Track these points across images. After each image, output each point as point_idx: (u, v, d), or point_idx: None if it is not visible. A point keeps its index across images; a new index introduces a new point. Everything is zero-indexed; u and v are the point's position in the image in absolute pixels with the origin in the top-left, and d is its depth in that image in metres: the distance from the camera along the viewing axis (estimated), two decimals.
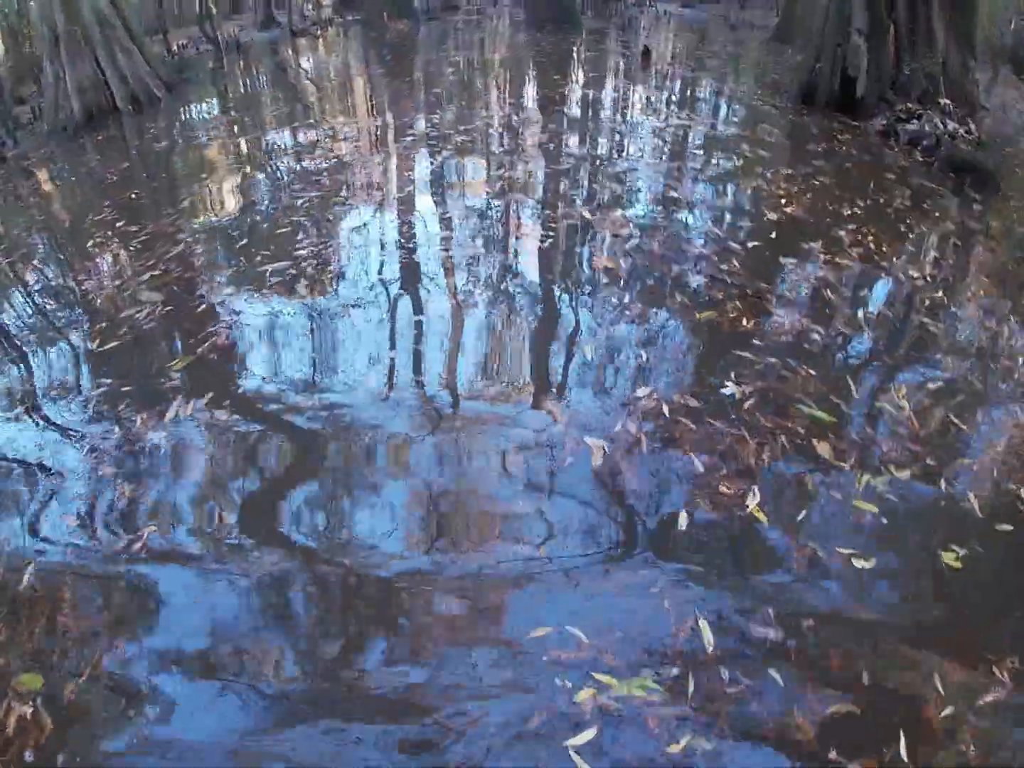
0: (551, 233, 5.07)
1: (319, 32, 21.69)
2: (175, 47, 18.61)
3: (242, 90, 13.71)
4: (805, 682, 2.01)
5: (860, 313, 4.07)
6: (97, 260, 5.42)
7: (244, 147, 8.71)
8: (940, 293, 4.39)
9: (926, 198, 6.15)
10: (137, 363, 3.83)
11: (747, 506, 2.61)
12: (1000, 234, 5.79)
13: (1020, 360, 3.73)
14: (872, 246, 4.91)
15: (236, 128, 9.91)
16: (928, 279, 4.57)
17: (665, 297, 4.10)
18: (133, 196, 6.91)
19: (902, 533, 2.60)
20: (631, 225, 5.13)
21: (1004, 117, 9.21)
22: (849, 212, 5.46)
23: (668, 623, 2.19)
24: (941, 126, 7.28)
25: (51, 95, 12.05)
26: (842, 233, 5.06)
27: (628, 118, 8.91)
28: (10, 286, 5.40)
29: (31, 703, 2.06)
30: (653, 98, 9.99)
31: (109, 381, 3.63)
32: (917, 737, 1.87)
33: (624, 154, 7.09)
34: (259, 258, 4.89)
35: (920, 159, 7.14)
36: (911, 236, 5.26)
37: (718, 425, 3.03)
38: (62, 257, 5.95)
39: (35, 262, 5.83)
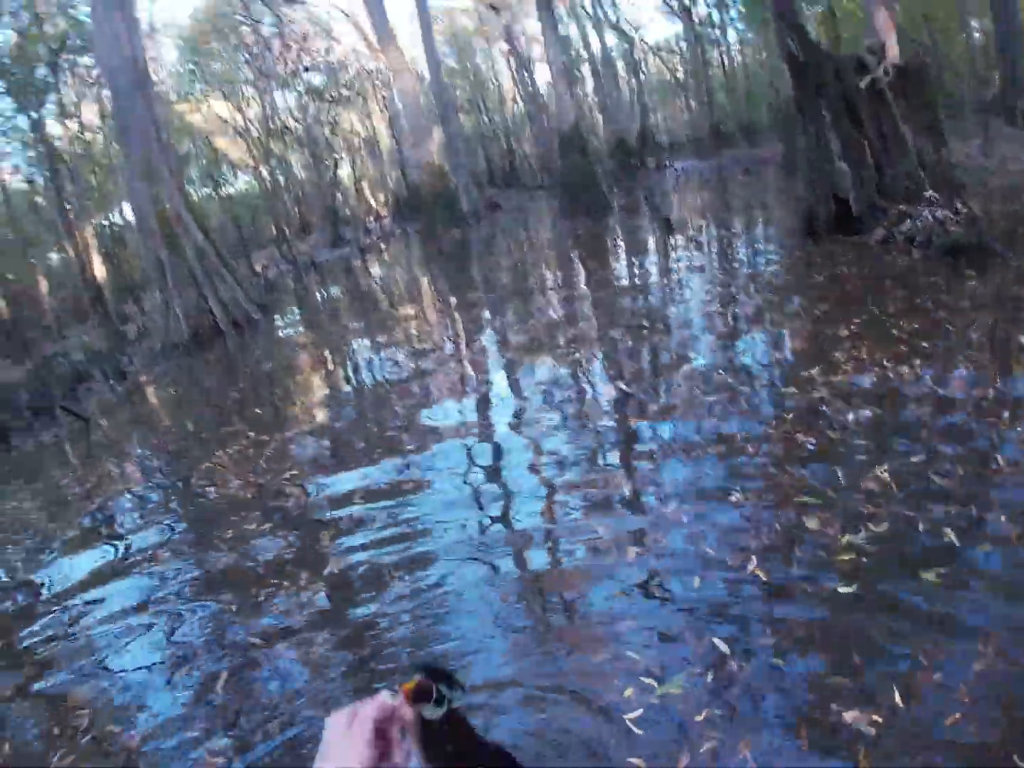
0: (624, 408, 5.40)
1: (383, 246, 24.42)
2: (259, 268, 21.35)
3: (323, 305, 15.59)
4: None
5: (851, 416, 4.20)
6: (221, 465, 6.27)
7: (332, 358, 10.00)
8: (930, 382, 4.47)
9: (921, 294, 6.18)
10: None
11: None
12: (993, 301, 5.85)
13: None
14: (865, 357, 5.03)
15: (323, 341, 11.33)
16: (914, 371, 4.64)
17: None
18: (243, 405, 8.22)
19: None
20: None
21: (1008, 171, 9.26)
22: (846, 332, 5.64)
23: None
24: (930, 218, 7.46)
25: (161, 319, 13.93)
26: (838, 353, 5.23)
27: (651, 286, 9.69)
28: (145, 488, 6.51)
29: None
30: (674, 265, 10.77)
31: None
32: None
33: (652, 326, 7.61)
34: (355, 460, 5.58)
35: (918, 257, 7.26)
36: (903, 336, 5.34)
37: None
38: (186, 461, 6.83)
39: (161, 464, 7.10)
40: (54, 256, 34.04)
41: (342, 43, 34.45)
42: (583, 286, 10.70)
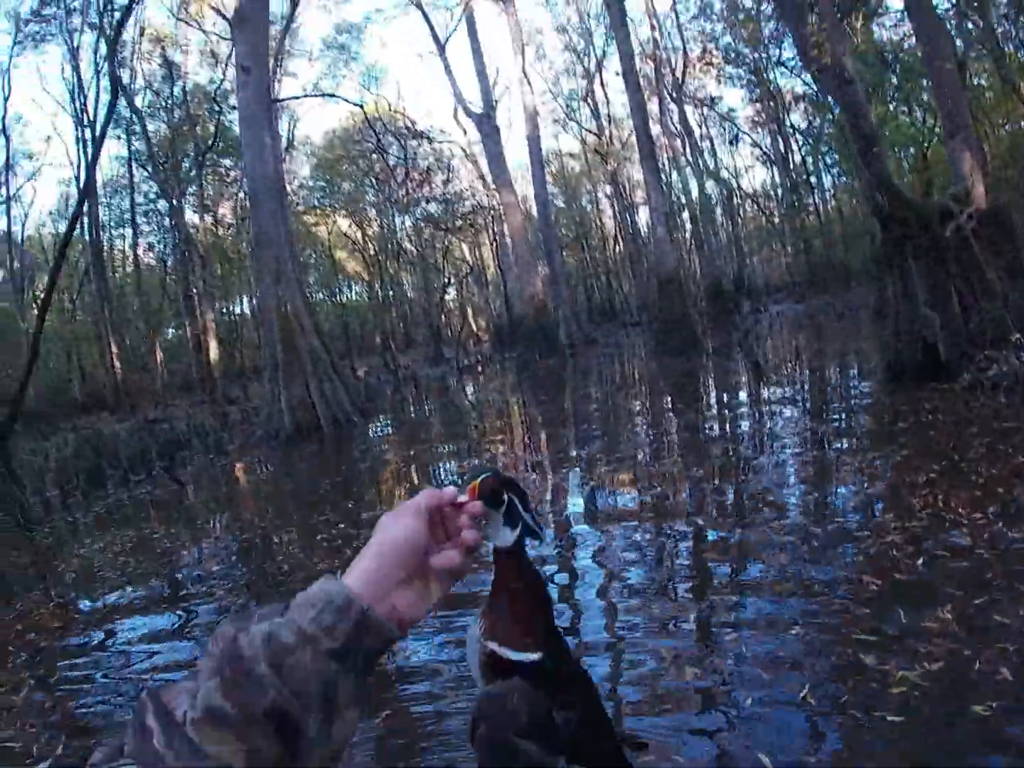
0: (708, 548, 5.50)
1: (480, 369, 25.22)
2: (361, 373, 22.32)
3: (418, 418, 16.13)
4: None
5: (920, 561, 4.22)
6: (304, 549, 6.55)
7: (418, 465, 10.30)
8: (1002, 527, 4.46)
9: (1004, 440, 6.15)
10: None
11: None
12: None
13: None
14: (941, 504, 5.05)
15: (413, 450, 11.62)
16: (987, 517, 4.62)
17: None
18: (335, 498, 8.51)
19: None
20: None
21: None
22: (924, 479, 5.66)
23: None
24: (1017, 362, 7.47)
25: (266, 407, 14.65)
26: (914, 500, 5.26)
27: (737, 428, 9.77)
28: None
29: None
30: (761, 408, 10.86)
31: None
32: None
33: (734, 466, 7.73)
34: None
35: (1004, 402, 7.21)
36: (981, 483, 5.34)
37: None
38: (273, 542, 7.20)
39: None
40: (171, 331, 37.11)
41: (461, 178, 37.51)
42: (671, 424, 10.91)
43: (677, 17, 34.91)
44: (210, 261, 32.12)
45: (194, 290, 29.83)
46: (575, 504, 7.03)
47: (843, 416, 9.37)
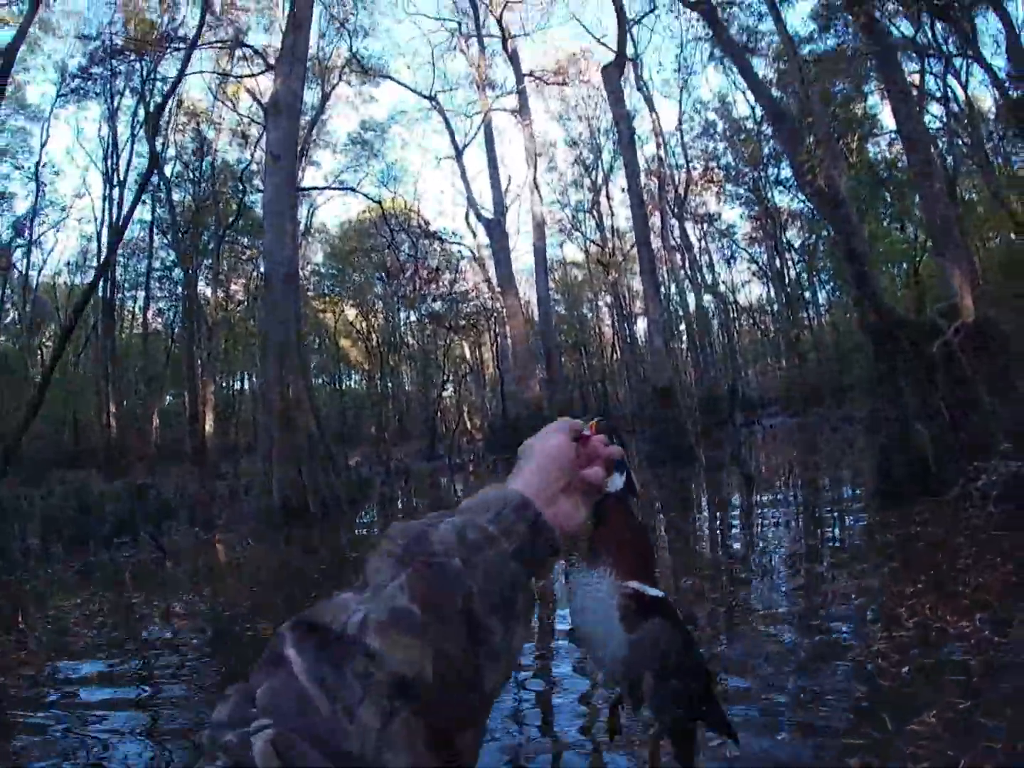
0: None
1: (472, 467, 24.98)
2: (353, 462, 21.95)
3: (405, 512, 15.82)
4: None
5: (905, 669, 4.17)
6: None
7: None
8: (987, 633, 4.42)
9: (991, 549, 6.15)
10: None
11: None
12: None
13: None
14: (928, 613, 5.01)
15: None
16: (973, 623, 4.60)
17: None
18: (319, 584, 8.25)
19: None
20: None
21: None
22: (911, 589, 5.62)
23: None
24: (1005, 471, 7.53)
25: (258, 487, 14.30)
26: (901, 609, 5.22)
27: (728, 538, 9.73)
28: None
29: None
30: (752, 519, 10.81)
31: None
32: None
33: (724, 575, 7.62)
34: None
35: (994, 511, 7.17)
36: (967, 591, 5.31)
37: None
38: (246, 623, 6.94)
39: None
40: (169, 398, 37.05)
41: (468, 279, 38.59)
42: (662, 532, 10.81)
43: (682, 136, 36.91)
44: (217, 334, 32.60)
45: (198, 361, 30.16)
46: (559, 612, 6.75)
47: (834, 529, 9.40)
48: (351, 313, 45.33)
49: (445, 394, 46.68)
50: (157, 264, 33.46)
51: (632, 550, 1.10)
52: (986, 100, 27.87)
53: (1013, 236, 24.70)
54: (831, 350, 37.37)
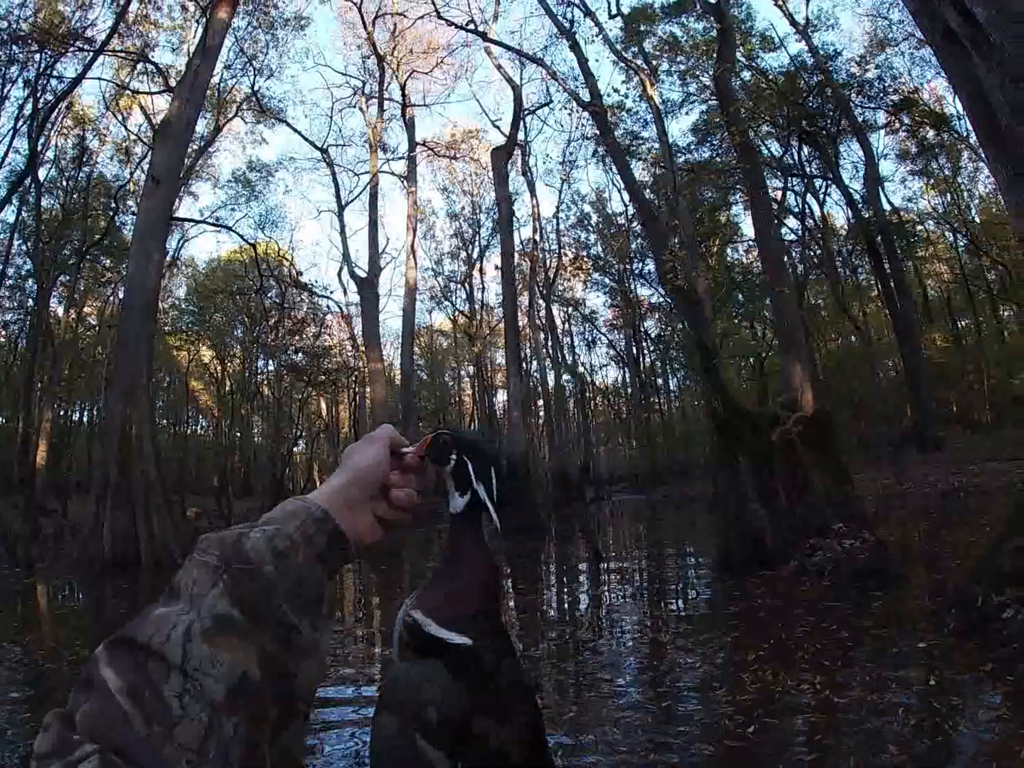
0: None
1: None
2: (191, 513, 20.36)
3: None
4: None
5: (751, 728, 4.39)
6: None
7: None
8: (827, 693, 4.74)
9: (827, 618, 6.60)
10: None
11: None
12: (892, 618, 6.39)
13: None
14: (770, 677, 5.31)
15: None
16: (813, 685, 4.91)
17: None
18: None
19: None
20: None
21: (921, 493, 10.27)
22: (754, 656, 5.94)
23: None
24: (838, 548, 8.23)
25: (88, 531, 12.89)
26: (744, 675, 5.51)
27: (576, 610, 9.81)
28: None
29: None
30: (599, 592, 11.01)
31: None
32: None
33: (573, 646, 7.68)
34: None
35: (828, 584, 7.81)
36: (806, 656, 5.70)
37: None
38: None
39: None
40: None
41: (332, 334, 37.91)
42: (508, 604, 10.78)
43: (558, 223, 38.66)
44: (62, 358, 29.92)
45: (37, 383, 27.42)
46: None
47: (678, 601, 9.76)
48: (207, 355, 43.10)
49: (296, 450, 45.08)
50: (11, 272, 30.50)
51: (447, 580, 1.02)
52: (838, 218, 31.68)
53: (853, 339, 27.56)
54: (679, 433, 39.60)
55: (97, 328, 35.64)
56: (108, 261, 31.32)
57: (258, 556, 0.68)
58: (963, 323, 33.97)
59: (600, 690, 5.79)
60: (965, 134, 26.13)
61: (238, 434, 41.42)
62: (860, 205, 25.47)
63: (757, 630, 6.90)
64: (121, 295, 18.84)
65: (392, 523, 0.92)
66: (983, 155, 5.95)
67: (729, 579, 9.71)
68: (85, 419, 41.15)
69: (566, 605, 10.46)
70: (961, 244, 31.68)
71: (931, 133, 25.50)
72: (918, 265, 31.22)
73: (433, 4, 24.82)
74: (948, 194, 31.91)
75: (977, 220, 31.83)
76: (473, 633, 0.97)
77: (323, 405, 48.12)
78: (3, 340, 34.41)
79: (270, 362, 38.40)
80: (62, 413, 36.21)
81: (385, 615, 9.86)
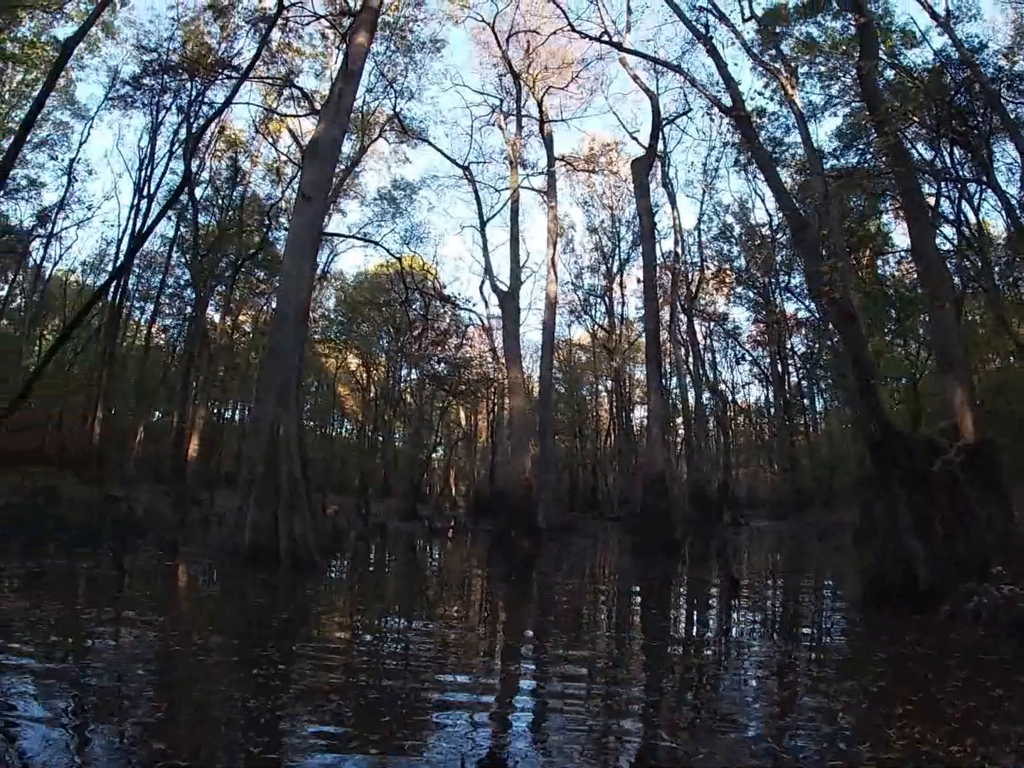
0: None
1: (451, 534, 24.45)
2: (331, 511, 21.33)
3: (376, 574, 15.32)
4: None
5: None
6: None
7: (366, 619, 9.55)
8: (979, 759, 4.24)
9: (982, 672, 5.97)
10: None
11: None
12: None
13: None
14: (917, 735, 4.79)
15: (364, 602, 11.00)
16: (965, 749, 4.42)
17: None
18: (279, 636, 7.77)
19: None
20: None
21: None
22: (901, 710, 5.39)
23: None
24: (997, 594, 7.39)
25: (232, 522, 13.69)
26: (890, 731, 5.00)
27: (708, 642, 9.26)
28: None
29: None
30: (736, 628, 10.39)
31: None
32: None
33: (700, 686, 7.24)
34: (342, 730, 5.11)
35: (984, 634, 7.09)
36: (957, 715, 5.10)
37: None
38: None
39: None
40: (158, 415, 36.49)
41: (474, 346, 38.79)
42: (639, 628, 10.44)
43: (699, 235, 37.78)
44: (217, 360, 32.49)
45: (193, 383, 29.91)
46: (522, 699, 6.35)
47: (818, 640, 9.05)
48: (353, 362, 45.45)
49: (435, 456, 46.40)
50: (171, 281, 33.63)
51: None
52: (996, 225, 28.92)
53: (1012, 359, 24.95)
54: (825, 458, 37.37)
55: (251, 335, 38.35)
56: (262, 274, 33.91)
57: None
58: None
59: (728, 734, 5.38)
60: None
61: (380, 438, 43.26)
62: (1019, 211, 23.16)
63: (906, 679, 6.30)
64: (274, 305, 20.07)
65: None
66: None
67: (875, 619, 8.97)
68: (237, 418, 44.30)
69: (696, 634, 9.96)
70: None
71: None
72: None
73: (566, 18, 24.96)
74: None
75: None
76: None
77: (462, 414, 49.35)
78: (163, 343, 37.76)
79: (413, 371, 39.91)
80: (215, 412, 39.25)
81: (509, 629, 9.84)
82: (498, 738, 5.08)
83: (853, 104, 21.94)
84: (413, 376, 41.23)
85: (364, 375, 45.85)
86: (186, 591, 11.60)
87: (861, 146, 22.13)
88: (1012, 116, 21.62)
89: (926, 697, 5.59)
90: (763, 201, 37.77)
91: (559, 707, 5.89)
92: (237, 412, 44.80)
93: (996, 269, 25.55)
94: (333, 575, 14.33)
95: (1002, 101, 21.04)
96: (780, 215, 25.74)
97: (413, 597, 12.16)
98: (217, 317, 34.66)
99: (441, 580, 14.67)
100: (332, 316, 41.93)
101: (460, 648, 8.04)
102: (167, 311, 35.99)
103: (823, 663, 7.68)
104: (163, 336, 38.35)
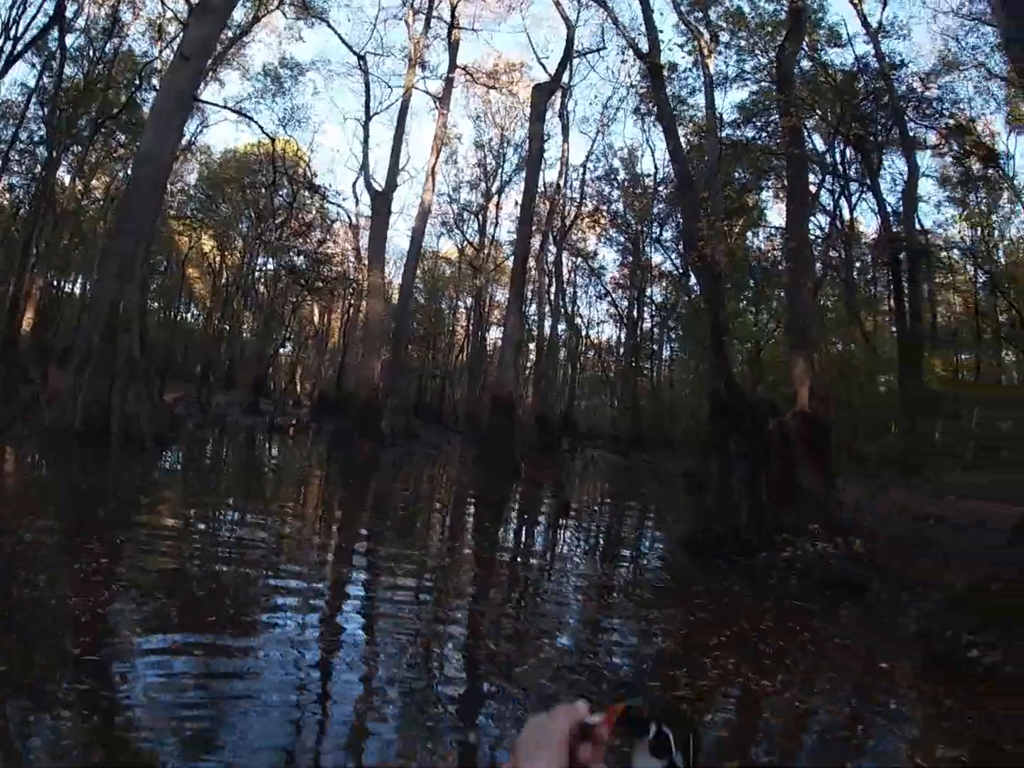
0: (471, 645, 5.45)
1: (293, 431, 24.05)
2: (169, 398, 20.40)
3: (213, 465, 14.94)
4: None
5: (708, 718, 4.43)
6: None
7: (199, 510, 9.33)
8: (786, 695, 4.80)
9: (793, 618, 6.71)
10: None
11: None
12: (858, 631, 6.49)
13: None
14: (731, 667, 5.36)
15: (198, 492, 10.77)
16: (778, 685, 4.92)
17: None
18: (105, 527, 7.34)
19: None
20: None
21: (894, 518, 10.44)
22: (715, 642, 5.97)
23: None
24: (812, 550, 8.34)
25: (65, 397, 12.81)
26: (706, 660, 5.54)
27: (536, 557, 9.88)
28: None
29: None
30: (564, 547, 11.09)
31: None
32: None
33: (526, 597, 7.70)
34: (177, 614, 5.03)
35: (796, 583, 7.90)
36: (769, 652, 5.76)
37: None
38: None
39: None
40: None
41: (338, 243, 37.28)
42: (471, 539, 10.76)
43: (584, 172, 37.80)
44: (62, 226, 29.32)
45: (34, 249, 26.85)
46: (352, 602, 6.51)
47: (642, 568, 9.83)
48: (208, 244, 42.31)
49: (282, 351, 44.85)
50: (24, 136, 29.54)
51: None
52: (864, 225, 31.45)
53: (853, 346, 27.58)
54: (664, 402, 39.69)
55: (102, 202, 34.75)
56: (123, 137, 30.38)
57: None
58: (963, 357, 34.05)
59: (550, 647, 5.80)
60: (1012, 175, 26.22)
61: (227, 328, 40.95)
62: (892, 219, 25.36)
63: (721, 615, 6.94)
64: (131, 171, 18.20)
65: None
66: None
67: (697, 558, 9.79)
68: (78, 292, 40.48)
69: (524, 547, 10.51)
70: (981, 279, 31.47)
71: (977, 165, 25.16)
72: (934, 290, 31.13)
73: None
74: (980, 228, 31.58)
75: (1003, 260, 31.74)
76: None
77: (316, 312, 47.74)
78: (6, 203, 33.56)
79: (270, 261, 37.88)
80: (56, 283, 35.64)
81: (344, 530, 9.88)
82: (327, 642, 5.15)
83: (763, 83, 22.57)
84: (269, 266, 39.14)
85: (217, 259, 42.85)
86: (11, 474, 10.73)
87: (759, 123, 23.01)
88: (911, 134, 23.37)
89: (740, 633, 6.23)
90: (652, 153, 38.46)
91: (389, 611, 6.10)
92: (79, 286, 40.76)
93: (857, 265, 27.76)
94: (167, 464, 13.73)
95: (905, 118, 22.62)
96: (668, 169, 26.31)
97: (249, 492, 11.94)
98: (68, 179, 31.07)
99: (279, 477, 14.44)
100: (192, 192, 38.50)
101: (294, 547, 8.06)
102: (15, 168, 31.67)
103: (644, 589, 8.33)
104: (7, 196, 33.84)
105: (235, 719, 3.64)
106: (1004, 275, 29.69)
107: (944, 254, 29.32)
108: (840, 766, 3.79)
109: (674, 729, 0.85)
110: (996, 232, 32.00)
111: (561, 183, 34.71)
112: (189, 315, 52.33)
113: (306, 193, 30.50)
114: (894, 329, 27.27)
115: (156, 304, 42.92)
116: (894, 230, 24.78)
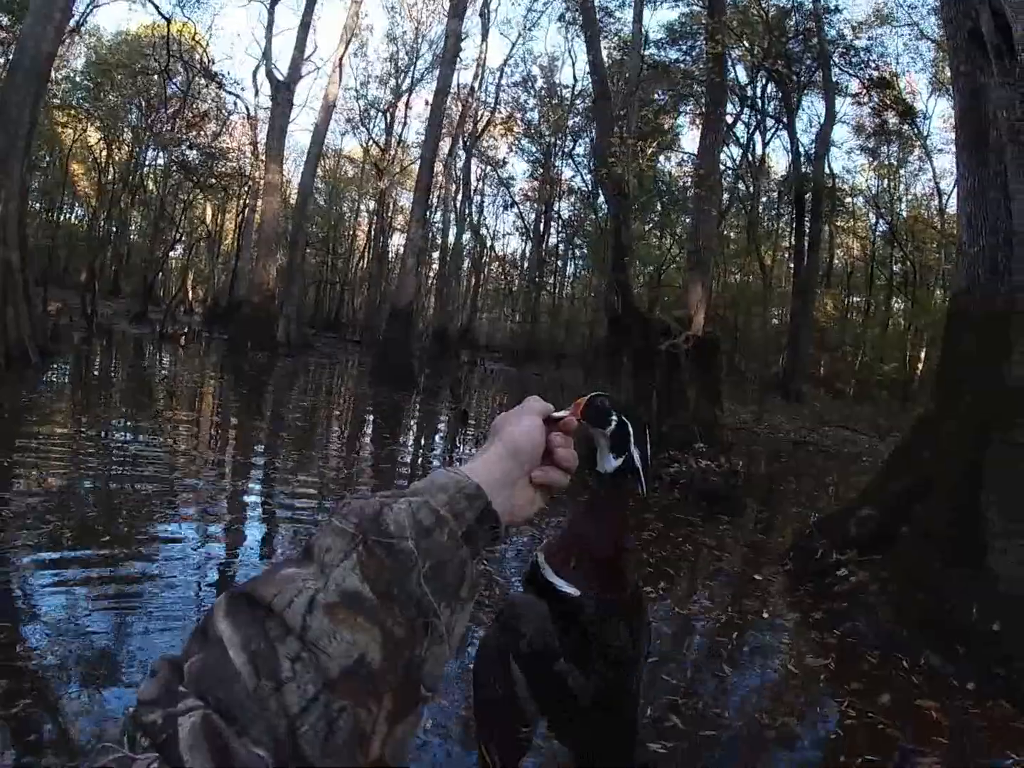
0: None
1: (184, 340, 23.24)
2: (52, 308, 19.21)
3: (101, 377, 14.35)
4: None
5: None
6: None
7: (89, 429, 8.83)
8: (667, 601, 5.18)
9: (675, 528, 7.18)
10: None
11: None
12: (707, 541, 7.01)
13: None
14: None
15: (87, 409, 10.20)
16: (657, 590, 5.27)
17: None
18: None
19: None
20: None
21: (773, 437, 11.11)
22: None
23: None
24: (695, 466, 8.89)
25: None
26: None
27: (434, 465, 10.13)
28: None
29: None
30: (464, 454, 11.31)
31: None
32: None
33: None
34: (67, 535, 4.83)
35: (679, 497, 8.45)
36: (650, 561, 6.19)
37: None
38: None
39: None
40: None
41: (234, 136, 35.06)
42: (370, 450, 10.82)
43: (500, 76, 36.71)
44: None
45: None
46: (252, 512, 6.46)
47: None
48: (93, 137, 38.59)
49: (172, 255, 42.37)
50: None
51: (579, 533, 1.13)
52: (774, 163, 32.35)
53: (750, 277, 28.88)
54: (563, 319, 40.36)
55: None
56: (6, 19, 27.02)
57: (399, 530, 0.63)
58: (855, 299, 36.37)
59: None
60: (927, 135, 27.84)
61: (114, 229, 38.08)
62: (802, 159, 26.10)
63: None
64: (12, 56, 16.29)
65: (555, 491, 0.85)
66: (957, 161, 5.96)
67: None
68: None
69: (420, 457, 10.72)
70: (880, 229, 33.40)
71: (894, 119, 26.06)
72: (834, 232, 32.61)
73: None
74: (887, 180, 33.00)
75: (904, 215, 33.31)
76: (584, 586, 1.12)
77: (209, 211, 45.07)
78: None
79: (160, 155, 35.16)
80: None
81: (240, 443, 9.77)
82: (228, 553, 5.19)
83: (694, 6, 22.54)
84: (160, 161, 36.33)
85: (104, 154, 39.24)
86: None
87: (685, 47, 22.97)
88: (834, 79, 23.78)
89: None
90: (573, 65, 37.60)
91: (290, 519, 6.18)
92: None
93: (763, 199, 28.53)
94: (53, 378, 13.02)
95: (831, 63, 22.93)
96: (587, 82, 25.93)
97: (140, 406, 11.51)
98: None
99: (170, 389, 13.98)
100: (78, 79, 34.80)
101: (188, 461, 7.90)
102: None
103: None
104: None
105: (136, 637, 3.63)
106: (903, 227, 31.43)
107: (849, 200, 30.86)
108: (719, 671, 4.12)
109: (635, 424, 0.94)
110: (902, 186, 33.98)
111: (476, 86, 33.67)
112: (73, 216, 48.32)
113: (202, 81, 28.34)
114: (791, 265, 28.68)
115: (37, 204, 39.26)
116: (804, 170, 25.62)
